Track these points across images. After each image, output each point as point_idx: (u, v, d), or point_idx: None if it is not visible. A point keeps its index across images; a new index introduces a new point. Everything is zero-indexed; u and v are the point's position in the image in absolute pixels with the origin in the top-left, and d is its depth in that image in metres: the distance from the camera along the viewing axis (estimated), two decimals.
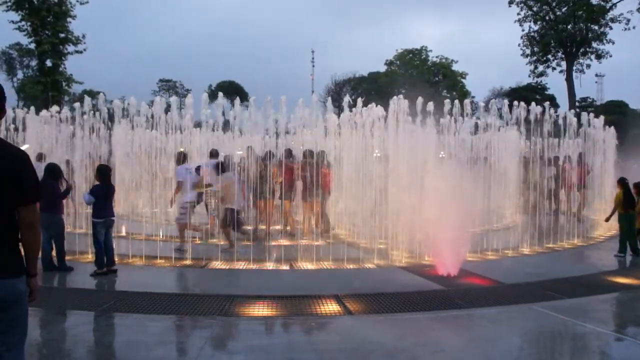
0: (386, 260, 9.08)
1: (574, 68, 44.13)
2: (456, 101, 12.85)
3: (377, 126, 10.91)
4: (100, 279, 7.46)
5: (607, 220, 10.52)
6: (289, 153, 11.65)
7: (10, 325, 2.75)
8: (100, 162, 12.50)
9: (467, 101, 13.60)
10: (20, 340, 2.82)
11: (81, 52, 32.17)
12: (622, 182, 9.88)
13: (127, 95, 13.92)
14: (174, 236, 10.35)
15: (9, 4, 29.92)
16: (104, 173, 7.96)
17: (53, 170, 8.06)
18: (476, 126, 14.46)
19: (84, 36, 31.93)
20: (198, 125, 15.55)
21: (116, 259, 8.05)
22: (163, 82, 71.58)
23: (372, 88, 56.23)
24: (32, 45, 32.45)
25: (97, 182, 8.00)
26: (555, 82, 66.45)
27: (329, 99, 15.08)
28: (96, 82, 63.14)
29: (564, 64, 44.36)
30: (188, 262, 8.76)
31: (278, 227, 12.00)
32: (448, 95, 48.26)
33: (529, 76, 47.30)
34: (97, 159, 14.06)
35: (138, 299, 6.25)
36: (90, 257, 8.47)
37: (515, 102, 12.78)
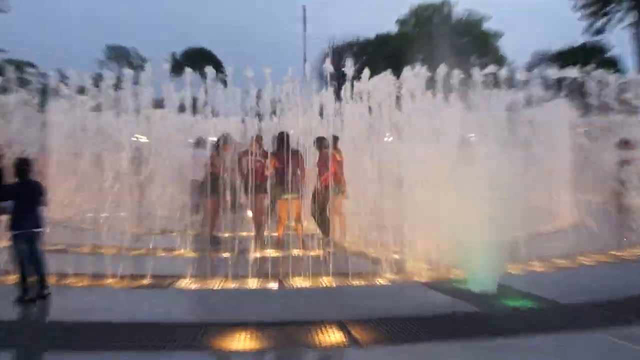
0: (403, 274, 9.07)
1: None
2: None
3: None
4: (28, 308, 7.29)
5: None
6: (259, 139, 12.07)
7: None
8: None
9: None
10: None
11: (5, 12, 32.03)
12: None
13: (65, 67, 13.72)
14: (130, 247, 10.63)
15: None
16: (19, 168, 7.75)
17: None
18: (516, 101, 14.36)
19: None
20: (158, 105, 15.37)
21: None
22: (112, 49, 71.39)
23: (381, 54, 56.25)
24: None
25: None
26: (618, 41, 66.31)
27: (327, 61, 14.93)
28: (25, 50, 62.77)
29: (632, 15, 43.82)
30: (147, 281, 8.73)
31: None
32: (478, 61, 48.27)
33: (583, 34, 47.28)
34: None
35: (78, 331, 6.15)
36: (16, 277, 8.32)
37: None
